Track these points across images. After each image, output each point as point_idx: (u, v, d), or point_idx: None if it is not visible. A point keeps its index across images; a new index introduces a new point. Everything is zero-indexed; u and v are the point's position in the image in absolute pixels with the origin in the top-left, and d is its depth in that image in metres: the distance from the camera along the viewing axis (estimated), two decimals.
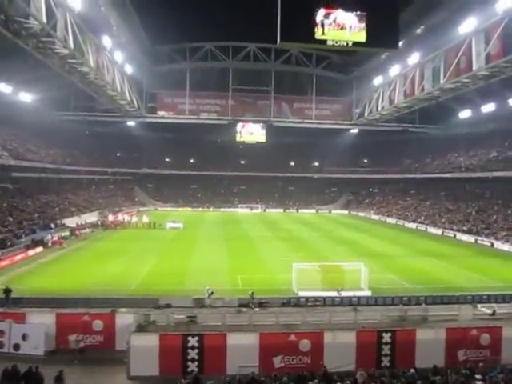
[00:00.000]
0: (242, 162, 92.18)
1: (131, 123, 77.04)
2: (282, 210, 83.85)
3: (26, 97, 53.89)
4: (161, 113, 76.32)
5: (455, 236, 50.85)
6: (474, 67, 39.13)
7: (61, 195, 61.08)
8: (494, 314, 20.17)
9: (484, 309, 21.30)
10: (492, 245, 44.37)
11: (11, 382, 11.74)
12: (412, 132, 77.44)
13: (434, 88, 47.96)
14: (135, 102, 66.24)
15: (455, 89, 46.72)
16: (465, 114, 65.91)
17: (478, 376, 11.32)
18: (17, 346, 16.89)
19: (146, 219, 56.55)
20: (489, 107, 60.19)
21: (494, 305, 21.56)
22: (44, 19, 30.94)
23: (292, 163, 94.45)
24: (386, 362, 16.37)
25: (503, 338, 16.94)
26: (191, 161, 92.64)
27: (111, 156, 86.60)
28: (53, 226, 46.32)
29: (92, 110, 68.20)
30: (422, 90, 50.23)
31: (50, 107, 61.59)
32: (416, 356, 16.06)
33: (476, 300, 23.29)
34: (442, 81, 45.34)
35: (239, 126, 79.12)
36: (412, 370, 12.77)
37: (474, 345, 16.79)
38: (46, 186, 59.24)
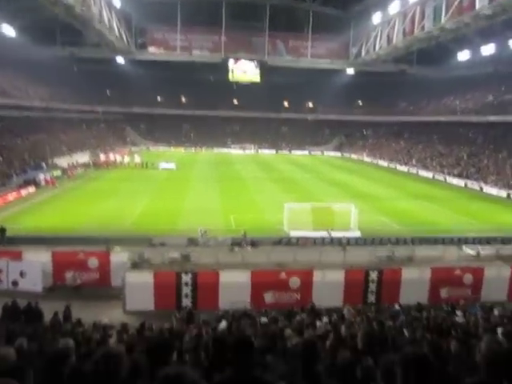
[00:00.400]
0: (236, 101, 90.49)
1: (121, 60, 74.22)
2: (274, 151, 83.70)
3: (10, 31, 51.48)
4: (151, 49, 73.60)
5: (446, 179, 51.45)
6: (478, 5, 37.66)
7: (51, 134, 60.06)
8: (477, 255, 20.91)
9: (469, 250, 22.04)
10: (481, 189, 45.06)
11: (11, 317, 12.14)
12: (409, 74, 75.79)
13: (434, 27, 46.36)
14: (124, 38, 63.69)
15: (456, 29, 45.22)
16: (464, 55, 64.31)
17: (458, 312, 11.90)
18: (15, 283, 17.37)
19: (138, 159, 56.30)
20: (489, 49, 58.65)
21: (478, 246, 22.29)
22: None
23: (286, 104, 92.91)
24: (371, 298, 17.13)
25: (484, 277, 17.68)
26: (183, 100, 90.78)
27: (101, 94, 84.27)
28: (44, 165, 46.01)
29: (80, 45, 65.48)
30: (422, 29, 48.55)
31: (36, 42, 58.95)
32: (401, 293, 16.78)
33: (462, 242, 24.03)
34: (443, 20, 43.75)
35: (232, 63, 76.78)
36: (397, 306, 13.37)
37: (457, 284, 17.54)
38: (35, 125, 58.01)
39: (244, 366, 2.87)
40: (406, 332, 8.17)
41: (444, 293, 17.36)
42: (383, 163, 68.47)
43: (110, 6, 54.93)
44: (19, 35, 53.06)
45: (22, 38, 53.94)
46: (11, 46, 54.50)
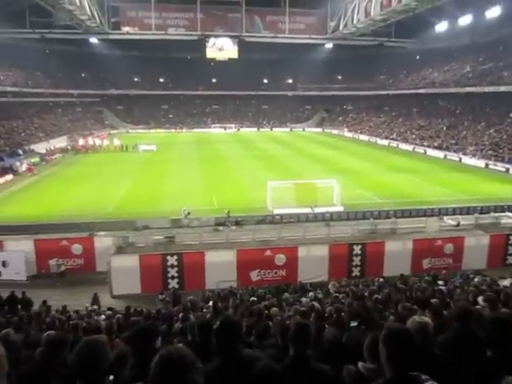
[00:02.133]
0: (214, 80, 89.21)
1: (94, 41, 72.20)
2: (256, 129, 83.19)
3: None
4: (125, 29, 71.52)
5: (425, 152, 51.97)
6: None
7: (26, 120, 58.63)
8: (458, 225, 21.35)
9: (449, 220, 22.48)
10: (460, 160, 45.69)
11: None
12: (387, 47, 75.60)
13: None
14: (96, 17, 61.63)
15: None
16: (441, 26, 64.40)
17: (440, 282, 12.19)
18: None
19: (117, 142, 55.47)
20: (466, 19, 58.79)
21: (458, 217, 22.75)
22: None
23: (265, 80, 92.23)
24: (356, 272, 17.42)
25: (465, 246, 18.10)
26: (161, 80, 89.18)
27: (76, 77, 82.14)
28: (21, 152, 44.96)
29: (50, 26, 63.11)
30: (399, 1, 48.28)
31: (4, 25, 56.71)
32: (384, 266, 17.08)
33: (442, 213, 24.49)
34: None
35: (209, 41, 75.40)
36: (381, 279, 13.62)
37: (439, 254, 17.93)
38: (9, 111, 56.39)
39: (230, 351, 2.88)
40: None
41: (426, 263, 17.74)
42: (364, 137, 68.73)
43: None
44: None
45: None
46: None
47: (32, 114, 62.41)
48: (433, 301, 6.90)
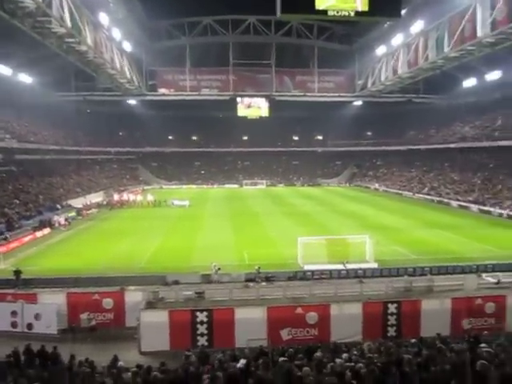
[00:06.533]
0: (245, 137, 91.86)
1: (132, 102, 76.31)
2: (286, 185, 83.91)
3: (26, 78, 53.43)
4: (161, 90, 75.43)
5: (460, 206, 50.79)
6: (479, 34, 38.17)
7: (65, 176, 61.30)
8: (498, 282, 20.39)
9: (489, 278, 21.52)
10: (497, 214, 44.35)
11: (26, 362, 11.99)
12: (416, 103, 76.36)
13: (438, 57, 46.97)
14: (135, 80, 65.54)
15: (460, 57, 45.71)
16: (470, 82, 64.78)
17: (483, 344, 11.43)
18: (30, 326, 17.23)
19: (150, 198, 56.86)
20: (494, 75, 59.09)
21: (498, 274, 21.75)
22: None
23: (295, 137, 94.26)
24: (391, 332, 16.64)
25: (507, 305, 17.11)
26: (194, 138, 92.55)
27: (114, 135, 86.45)
28: (59, 206, 46.67)
29: (92, 89, 67.28)
30: (426, 59, 49.21)
31: (51, 88, 61.05)
32: (421, 326, 16.28)
33: (481, 270, 23.44)
34: (446, 49, 44.36)
35: (241, 100, 78.32)
36: (413, 340, 12.90)
37: (479, 313, 16.98)
38: (50, 168, 59.33)
39: None
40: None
41: (466, 323, 16.81)
42: (395, 192, 68.09)
43: (121, 50, 56.90)
44: (35, 82, 54.99)
45: (37, 85, 55.89)
46: (26, 93, 56.45)
47: (71, 171, 65.28)
48: (478, 364, 6.49)
